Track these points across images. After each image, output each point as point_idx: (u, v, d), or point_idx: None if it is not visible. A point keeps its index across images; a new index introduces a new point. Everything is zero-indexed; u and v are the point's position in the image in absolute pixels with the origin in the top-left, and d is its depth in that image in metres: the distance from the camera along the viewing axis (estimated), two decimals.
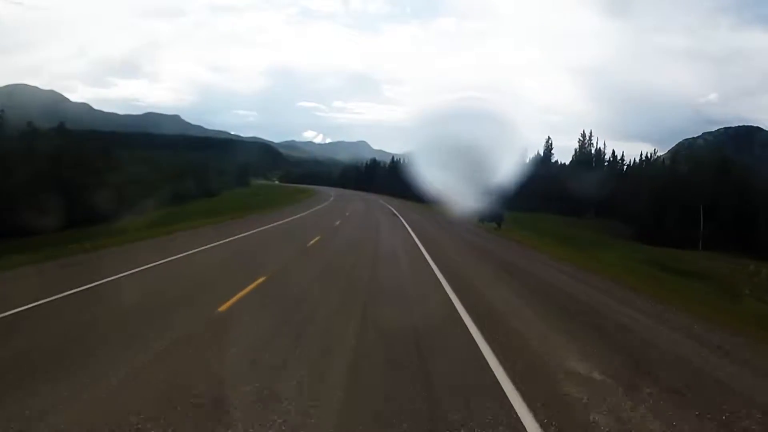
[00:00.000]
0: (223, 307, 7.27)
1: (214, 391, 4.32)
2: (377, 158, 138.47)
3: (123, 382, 4.49)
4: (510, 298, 9.11)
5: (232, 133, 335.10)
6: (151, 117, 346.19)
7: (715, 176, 52.39)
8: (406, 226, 27.20)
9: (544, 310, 8.17)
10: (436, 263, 12.90)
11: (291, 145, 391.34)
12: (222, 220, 26.96)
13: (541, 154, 78.82)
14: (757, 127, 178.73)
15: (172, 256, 12.57)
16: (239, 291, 8.27)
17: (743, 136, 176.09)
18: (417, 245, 17.53)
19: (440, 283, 10.16)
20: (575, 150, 79.85)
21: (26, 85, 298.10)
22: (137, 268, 10.64)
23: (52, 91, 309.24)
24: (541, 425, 3.92)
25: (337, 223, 26.90)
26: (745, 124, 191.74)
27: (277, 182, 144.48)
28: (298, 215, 33.75)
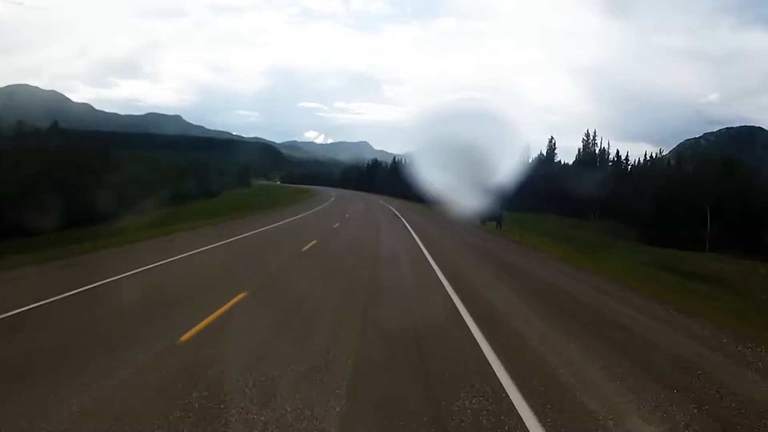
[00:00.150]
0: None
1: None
2: (379, 159, 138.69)
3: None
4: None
5: (234, 133, 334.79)
6: (152, 117, 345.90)
7: (721, 176, 52.05)
8: (407, 226, 27.20)
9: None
10: (437, 263, 12.89)
11: (292, 145, 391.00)
12: (222, 220, 27.00)
13: (545, 154, 78.90)
14: (759, 128, 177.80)
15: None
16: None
17: (745, 136, 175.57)
18: (418, 245, 17.53)
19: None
20: (579, 150, 79.89)
21: (27, 85, 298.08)
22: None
23: (53, 92, 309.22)
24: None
25: (336, 225, 26.76)
26: (747, 125, 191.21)
27: (278, 183, 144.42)
28: (299, 215, 33.82)
